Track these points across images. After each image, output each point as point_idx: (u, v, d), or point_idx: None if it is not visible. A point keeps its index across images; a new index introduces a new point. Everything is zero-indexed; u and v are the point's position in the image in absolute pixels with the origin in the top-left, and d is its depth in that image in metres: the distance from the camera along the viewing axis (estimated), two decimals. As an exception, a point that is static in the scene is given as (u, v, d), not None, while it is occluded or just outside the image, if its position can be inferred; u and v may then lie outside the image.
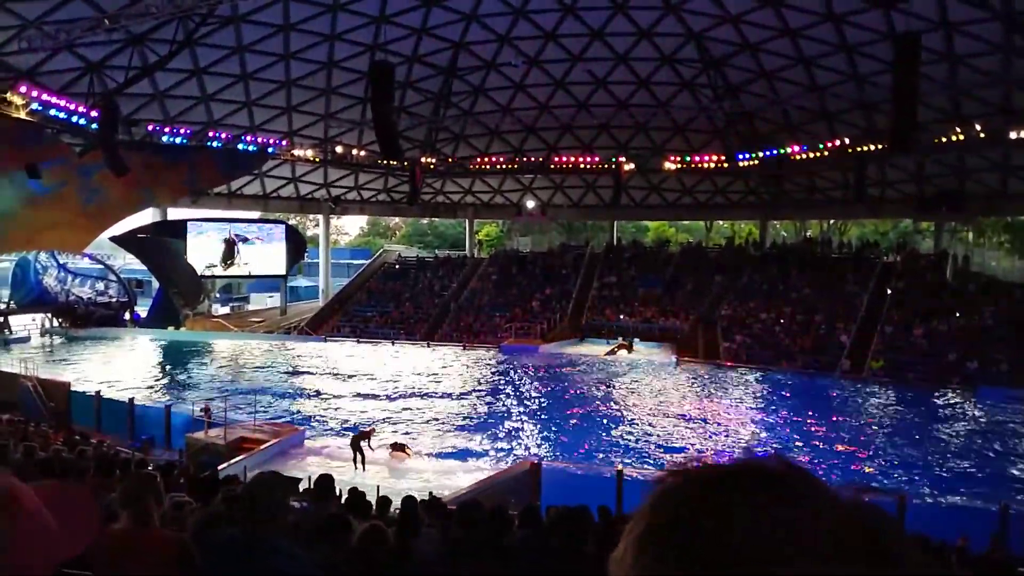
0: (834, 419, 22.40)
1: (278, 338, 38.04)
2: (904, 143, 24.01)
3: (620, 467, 14.13)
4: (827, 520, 0.57)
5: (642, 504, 0.62)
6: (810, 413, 22.92)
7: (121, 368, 28.46)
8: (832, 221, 53.76)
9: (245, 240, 42.38)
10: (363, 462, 16.42)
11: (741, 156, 35.65)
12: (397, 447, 17.28)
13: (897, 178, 36.97)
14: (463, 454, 17.90)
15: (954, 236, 43.16)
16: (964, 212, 35.96)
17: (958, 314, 29.93)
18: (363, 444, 16.67)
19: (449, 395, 24.71)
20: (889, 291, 33.12)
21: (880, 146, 29.64)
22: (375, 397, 24.17)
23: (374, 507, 7.00)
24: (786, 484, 0.60)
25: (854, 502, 0.60)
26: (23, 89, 27.44)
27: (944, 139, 28.94)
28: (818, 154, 33.04)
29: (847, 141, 32.11)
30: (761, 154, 34.89)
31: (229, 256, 41.50)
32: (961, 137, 28.51)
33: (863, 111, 32.70)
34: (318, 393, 25.18)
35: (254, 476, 2.84)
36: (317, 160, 40.25)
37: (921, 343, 29.43)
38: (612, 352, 32.21)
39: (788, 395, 25.72)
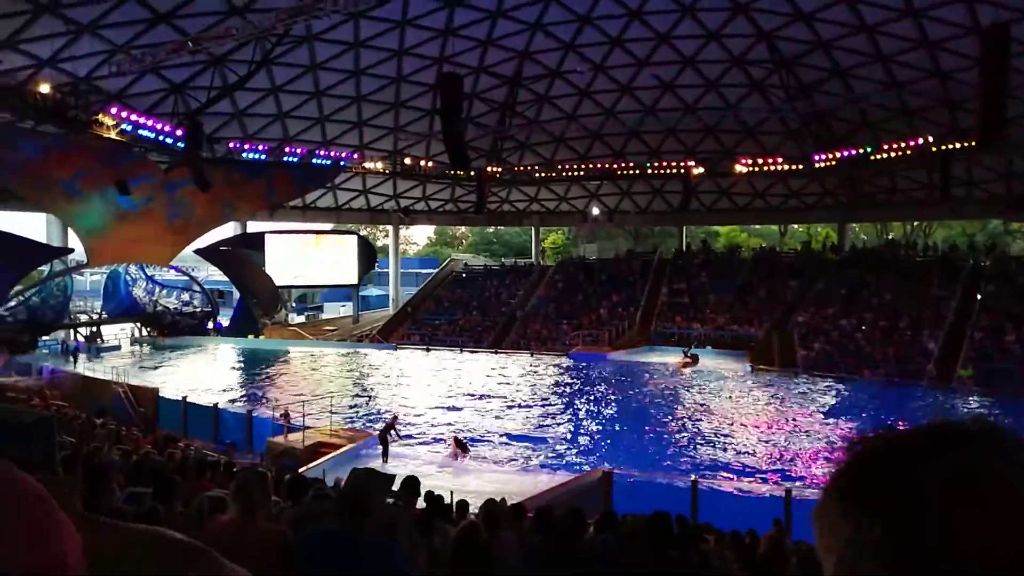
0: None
1: (351, 346, 38.95)
2: (992, 140, 22.87)
3: (694, 478, 13.88)
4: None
5: (840, 461, 0.66)
6: (892, 423, 21.87)
7: (205, 375, 29.64)
8: (916, 223, 51.48)
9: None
10: (386, 454, 17.06)
11: (817, 157, 34.57)
12: (459, 443, 17.49)
13: (984, 177, 35.13)
14: (532, 461, 17.89)
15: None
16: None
17: (1055, 319, 28.22)
18: (389, 435, 17.39)
19: (517, 402, 24.74)
20: (978, 295, 31.46)
21: (966, 144, 28.25)
22: (444, 403, 24.43)
23: (453, 510, 7.10)
24: (981, 443, 0.59)
25: None
26: (113, 111, 29.10)
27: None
28: (899, 153, 31.74)
29: (930, 139, 30.76)
30: (838, 154, 33.75)
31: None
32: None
33: (947, 108, 31.28)
34: (389, 399, 25.61)
35: (355, 472, 2.93)
36: (387, 172, 41.18)
37: (1014, 349, 27.81)
38: (683, 366, 31.33)
39: (870, 404, 24.68)
